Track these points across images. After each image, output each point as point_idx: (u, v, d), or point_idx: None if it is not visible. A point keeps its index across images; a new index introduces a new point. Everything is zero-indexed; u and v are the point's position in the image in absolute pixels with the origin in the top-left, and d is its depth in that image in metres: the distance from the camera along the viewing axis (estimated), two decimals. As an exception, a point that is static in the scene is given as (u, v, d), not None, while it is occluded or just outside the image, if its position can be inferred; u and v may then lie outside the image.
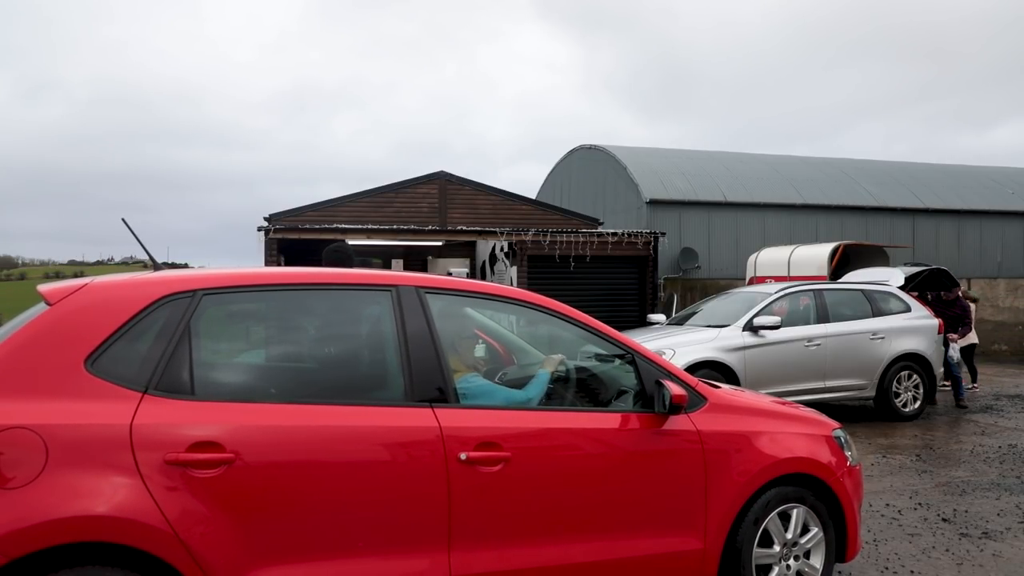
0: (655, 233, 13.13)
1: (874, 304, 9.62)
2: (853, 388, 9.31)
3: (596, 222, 14.74)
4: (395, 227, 12.46)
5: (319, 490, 2.67)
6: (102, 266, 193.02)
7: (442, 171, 13.93)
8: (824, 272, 13.08)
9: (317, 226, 12.26)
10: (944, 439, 7.91)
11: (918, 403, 9.25)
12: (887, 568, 4.31)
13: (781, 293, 9.36)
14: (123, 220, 4.10)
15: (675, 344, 8.72)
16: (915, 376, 9.27)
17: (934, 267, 11.77)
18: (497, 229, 12.51)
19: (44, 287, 2.81)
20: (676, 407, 3.19)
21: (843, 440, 3.80)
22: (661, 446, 3.22)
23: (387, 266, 14.92)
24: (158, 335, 2.68)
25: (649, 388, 3.26)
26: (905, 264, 12.51)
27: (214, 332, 2.90)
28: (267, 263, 11.83)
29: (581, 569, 3.05)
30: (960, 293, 10.92)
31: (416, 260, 15.64)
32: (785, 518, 3.50)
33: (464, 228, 12.91)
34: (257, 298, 2.98)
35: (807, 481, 3.55)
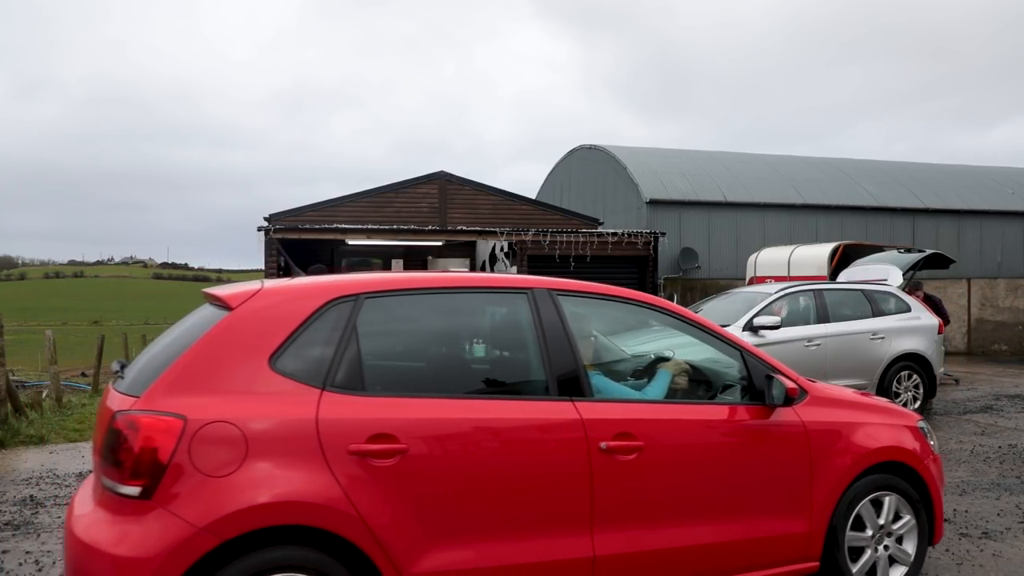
0: (655, 233, 13.12)
1: (874, 304, 9.63)
2: (853, 388, 9.32)
3: (596, 222, 14.74)
4: (395, 227, 12.45)
5: (479, 477, 2.90)
6: (102, 266, 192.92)
7: (442, 171, 13.92)
8: (824, 272, 13.08)
9: (317, 226, 12.25)
10: (944, 439, 7.91)
11: (918, 403, 9.26)
12: (887, 568, 4.32)
13: (781, 293, 9.37)
14: (279, 245, 4.57)
15: (675, 345, 8.72)
16: (915, 376, 9.28)
17: (929, 251, 11.85)
18: (497, 229, 12.51)
19: (219, 291, 3.08)
20: (790, 399, 3.44)
21: (926, 430, 4.01)
22: (771, 436, 3.45)
23: (387, 266, 14.92)
24: (329, 336, 2.89)
25: (758, 382, 3.49)
26: (898, 251, 12.52)
27: (376, 332, 3.06)
28: (267, 263, 11.82)
29: (705, 550, 3.26)
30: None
31: (416, 260, 15.63)
32: (877, 505, 3.70)
33: (464, 228, 12.91)
34: (411, 301, 3.21)
35: (897, 469, 3.75)
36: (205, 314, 3.07)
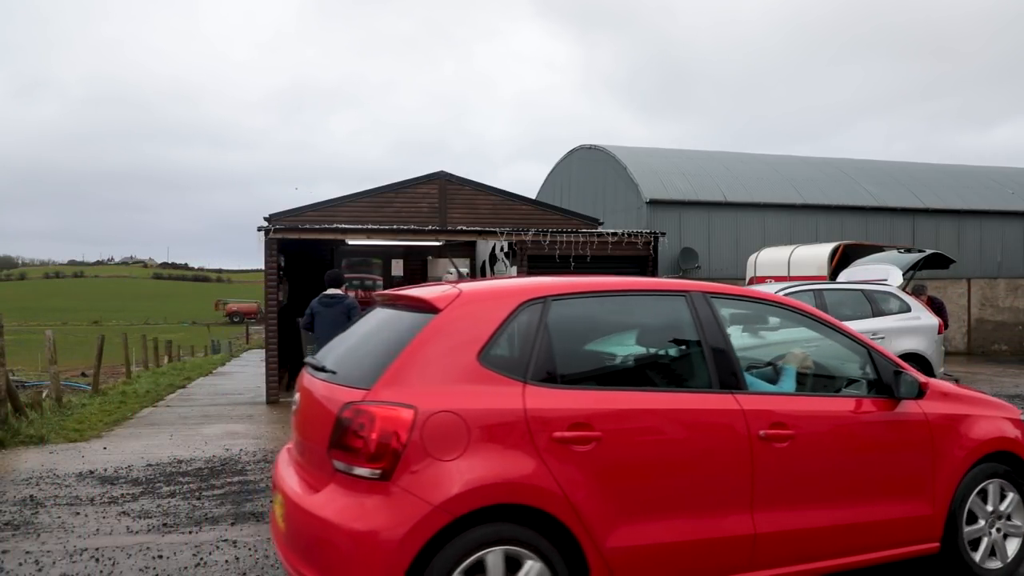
0: (655, 233, 13.11)
1: (874, 304, 9.63)
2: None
3: (596, 222, 14.72)
4: (395, 227, 12.44)
5: (659, 462, 3.22)
6: (102, 266, 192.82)
7: (442, 171, 13.91)
8: (824, 272, 13.08)
9: (317, 226, 12.25)
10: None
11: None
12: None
13: (781, 293, 9.37)
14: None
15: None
16: (915, 376, 9.30)
17: (929, 251, 11.87)
18: (497, 229, 12.49)
19: (419, 293, 3.37)
20: (922, 392, 3.83)
21: None
22: (898, 426, 3.78)
23: (387, 266, 14.91)
24: (525, 334, 3.20)
25: (886, 378, 3.82)
26: (898, 251, 12.52)
27: (562, 330, 3.34)
28: (267, 263, 11.81)
29: (845, 530, 3.57)
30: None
31: (416, 260, 15.62)
32: (988, 489, 4.02)
33: (464, 228, 12.90)
34: (589, 302, 3.53)
35: (1005, 458, 4.08)
36: (399, 315, 3.43)
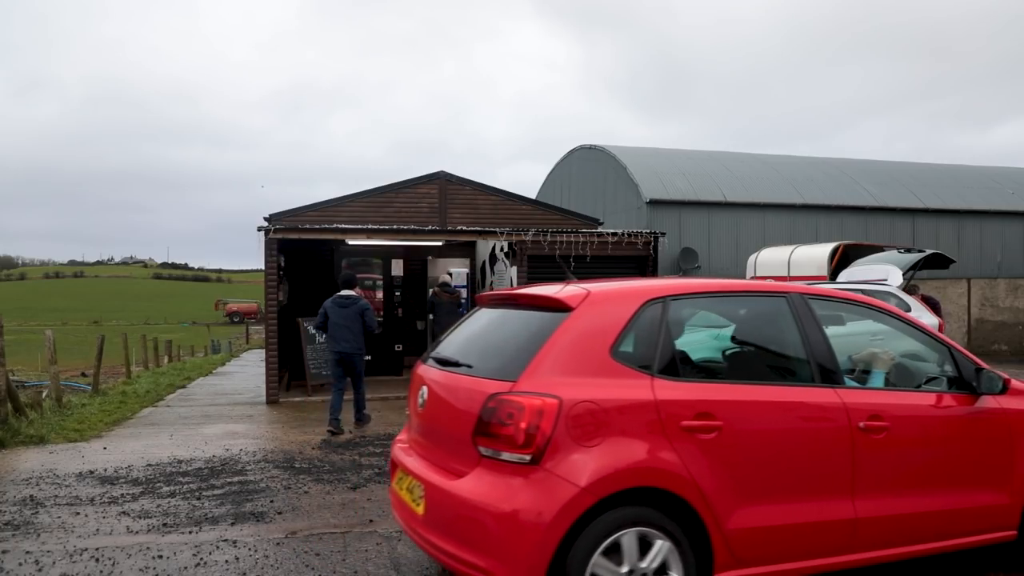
0: (655, 233, 13.10)
1: (874, 304, 9.62)
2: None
3: (596, 222, 14.71)
4: (395, 227, 12.44)
5: (772, 450, 3.46)
6: (102, 266, 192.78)
7: (442, 171, 13.89)
8: (824, 272, 13.08)
9: (317, 226, 12.24)
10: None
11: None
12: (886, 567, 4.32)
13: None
14: (559, 259, 4.38)
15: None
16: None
17: (929, 251, 11.87)
18: (497, 229, 12.49)
19: (554, 293, 3.59)
20: (1004, 388, 4.03)
21: None
22: (980, 420, 3.99)
23: (387, 266, 14.89)
24: (649, 331, 3.45)
25: (967, 375, 4.04)
26: (898, 251, 12.52)
27: (680, 328, 3.66)
28: (267, 263, 11.81)
29: (931, 516, 3.80)
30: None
31: (416, 260, 15.61)
32: None
33: (464, 228, 12.90)
34: (703, 302, 3.84)
35: None
36: (526, 313, 3.70)
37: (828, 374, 3.72)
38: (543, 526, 3.01)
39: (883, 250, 13.70)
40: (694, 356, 3.77)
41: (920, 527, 3.80)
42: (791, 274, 13.76)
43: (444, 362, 3.82)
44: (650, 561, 3.18)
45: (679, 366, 3.48)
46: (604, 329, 3.37)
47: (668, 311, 3.53)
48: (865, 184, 21.77)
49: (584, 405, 3.16)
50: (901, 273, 11.00)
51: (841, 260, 13.28)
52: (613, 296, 3.55)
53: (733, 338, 3.97)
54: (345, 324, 8.90)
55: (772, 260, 14.69)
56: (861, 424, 3.64)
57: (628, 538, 3.14)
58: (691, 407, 3.31)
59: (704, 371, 3.71)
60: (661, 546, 3.19)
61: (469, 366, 3.62)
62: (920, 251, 12.07)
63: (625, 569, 3.15)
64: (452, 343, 4.02)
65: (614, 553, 3.13)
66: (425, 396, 3.79)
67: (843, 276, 11.92)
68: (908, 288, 11.41)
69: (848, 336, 4.59)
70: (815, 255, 13.68)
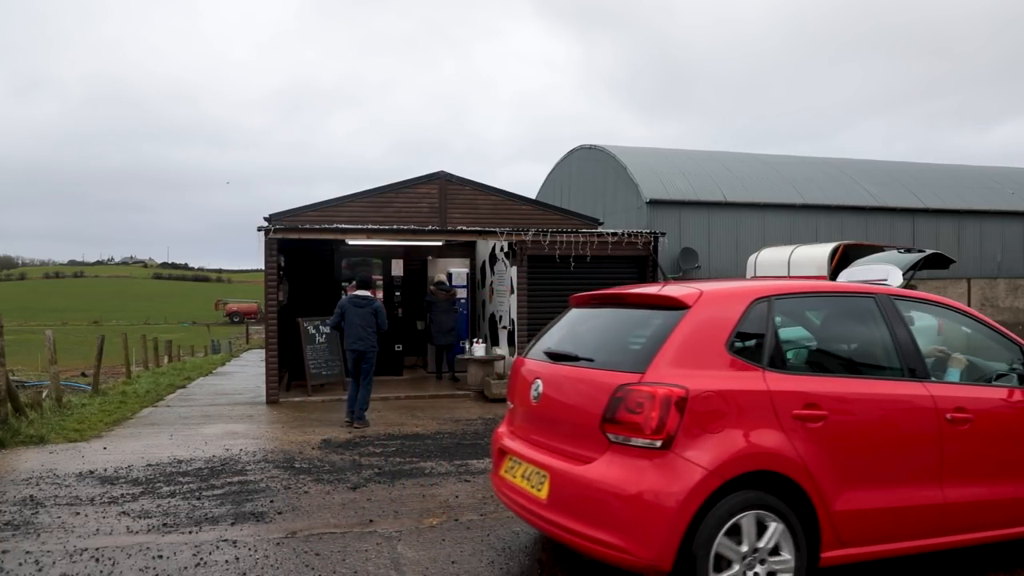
0: (655, 233, 13.10)
1: (874, 304, 9.61)
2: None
3: (596, 222, 14.71)
4: (395, 227, 12.44)
5: (870, 438, 3.72)
6: (102, 266, 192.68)
7: (442, 171, 13.89)
8: (824, 272, 13.06)
9: (317, 226, 12.24)
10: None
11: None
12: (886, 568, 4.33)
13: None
14: (653, 261, 4.47)
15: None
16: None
17: (929, 251, 11.86)
18: (497, 229, 12.48)
19: (673, 292, 3.84)
20: None
21: None
22: None
23: (387, 266, 14.89)
24: (758, 327, 3.73)
25: None
26: (898, 251, 12.51)
27: (784, 325, 3.95)
28: (267, 263, 11.81)
29: (1009, 503, 4.05)
30: None
31: (416, 260, 15.61)
32: None
33: (464, 228, 12.90)
34: (802, 302, 4.11)
35: None
36: (641, 311, 3.99)
37: (916, 369, 4.00)
38: (676, 506, 3.26)
39: (883, 250, 13.68)
40: (798, 350, 4.07)
41: (998, 513, 4.04)
42: (791, 274, 13.75)
43: (558, 357, 4.11)
44: (766, 542, 3.44)
45: (785, 360, 3.79)
46: (719, 326, 3.65)
47: (772, 309, 3.82)
48: (865, 184, 21.77)
49: (707, 395, 3.43)
50: (901, 273, 10.97)
51: (841, 260, 13.25)
52: (725, 295, 3.82)
53: (828, 335, 4.19)
54: (360, 323, 9.33)
55: (772, 260, 14.67)
56: (948, 416, 3.91)
57: (747, 519, 3.40)
58: (800, 398, 3.59)
59: (807, 365, 3.96)
60: (775, 528, 3.45)
61: (590, 360, 3.90)
62: (920, 251, 12.05)
63: (744, 549, 3.41)
64: (561, 339, 4.33)
65: (734, 533, 3.39)
66: (540, 389, 4.05)
67: (843, 276, 11.88)
68: (908, 287, 11.38)
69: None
70: (815, 255, 13.66)
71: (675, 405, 3.36)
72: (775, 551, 3.46)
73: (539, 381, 4.08)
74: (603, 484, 3.42)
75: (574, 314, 4.53)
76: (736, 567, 3.39)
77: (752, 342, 3.70)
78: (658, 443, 3.35)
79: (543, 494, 3.75)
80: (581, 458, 3.63)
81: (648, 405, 3.38)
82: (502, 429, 4.54)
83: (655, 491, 3.29)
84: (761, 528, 3.44)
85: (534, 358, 4.36)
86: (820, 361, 4.06)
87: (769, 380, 3.59)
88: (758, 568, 3.45)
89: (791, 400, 3.56)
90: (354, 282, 10.27)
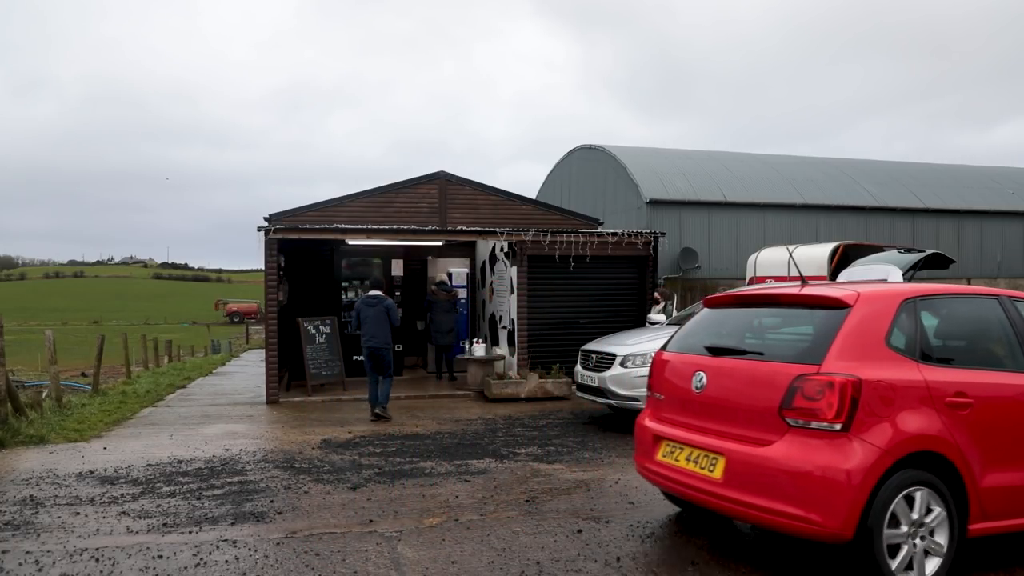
0: (655, 233, 13.10)
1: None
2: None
3: (596, 222, 14.71)
4: (395, 227, 12.44)
5: (1007, 422, 4.19)
6: (102, 266, 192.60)
7: (442, 171, 13.89)
8: (824, 272, 13.06)
9: (317, 226, 12.24)
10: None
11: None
12: (887, 568, 4.32)
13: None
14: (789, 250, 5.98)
15: None
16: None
17: (929, 251, 11.86)
18: (497, 229, 12.49)
19: (835, 293, 4.27)
20: None
21: None
22: None
23: (387, 266, 14.89)
24: (908, 324, 4.17)
25: None
26: (898, 251, 12.50)
27: (928, 323, 4.34)
28: (267, 263, 11.81)
29: None
30: None
31: (416, 260, 15.61)
32: None
33: (464, 228, 12.90)
34: (939, 302, 4.51)
35: None
36: (799, 310, 4.49)
37: None
38: (858, 482, 3.70)
39: (883, 250, 13.68)
40: (940, 344, 4.43)
41: None
42: (791, 274, 13.75)
43: (721, 351, 4.59)
44: (922, 515, 3.89)
45: (933, 354, 4.21)
46: (878, 323, 4.11)
47: (918, 308, 4.27)
48: (865, 184, 21.77)
49: (877, 384, 3.87)
50: (901, 273, 10.97)
51: (841, 260, 13.25)
52: (879, 296, 4.26)
53: (963, 331, 4.59)
54: (375, 321, 9.81)
55: (772, 260, 14.68)
56: None
57: (917, 494, 3.86)
58: (951, 387, 4.06)
59: (948, 358, 4.33)
60: (932, 503, 3.91)
61: (759, 353, 4.41)
62: (920, 251, 12.05)
63: (914, 518, 3.87)
64: (717, 336, 4.80)
65: (903, 506, 3.84)
66: (704, 380, 4.49)
67: (843, 276, 11.88)
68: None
69: None
70: (815, 255, 13.65)
71: (851, 392, 3.80)
72: (930, 523, 3.93)
73: (701, 373, 4.52)
74: (787, 463, 3.85)
75: (714, 313, 5.05)
76: (905, 533, 3.85)
77: (905, 337, 4.15)
78: (838, 426, 3.78)
79: (717, 474, 4.17)
80: (758, 441, 4.05)
81: (828, 393, 3.82)
82: (647, 419, 4.98)
83: (839, 468, 3.72)
84: (921, 503, 3.89)
85: (685, 352, 4.83)
86: (960, 355, 4.43)
87: (923, 371, 4.05)
88: (921, 538, 3.90)
89: (944, 389, 4.02)
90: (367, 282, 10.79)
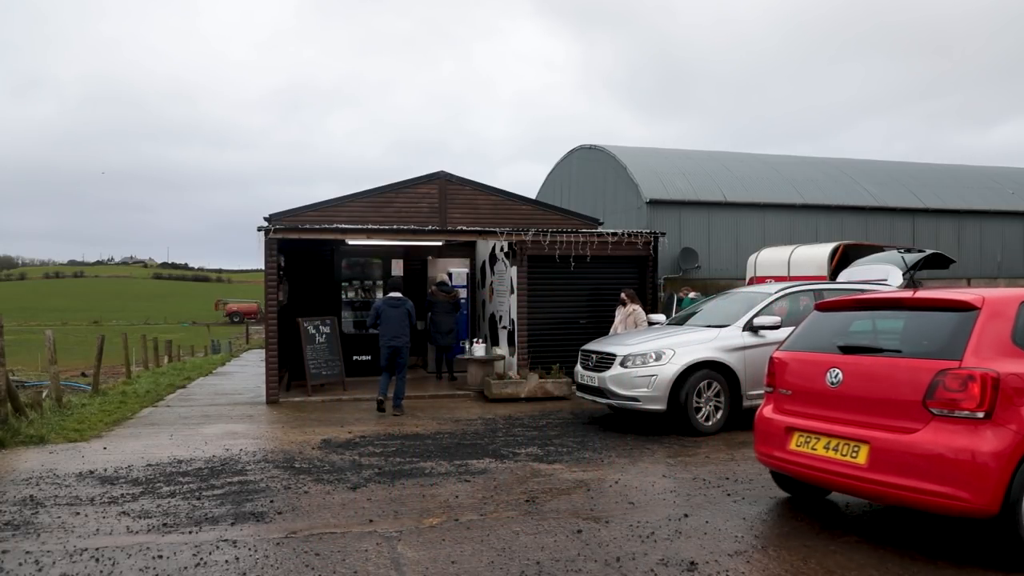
0: (655, 233, 13.11)
1: (874, 304, 9.60)
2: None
3: (596, 222, 14.71)
4: (395, 227, 12.44)
5: None
6: (102, 266, 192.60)
7: (442, 171, 13.89)
8: (824, 272, 13.08)
9: (317, 226, 12.25)
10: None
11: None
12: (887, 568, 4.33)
13: (781, 293, 9.36)
14: (906, 265, 5.59)
15: (675, 344, 8.70)
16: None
17: (929, 251, 11.87)
18: (497, 229, 12.49)
19: (963, 296, 4.71)
20: None
21: None
22: None
23: (387, 266, 14.90)
24: (1021, 324, 4.61)
25: None
26: (898, 251, 12.52)
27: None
28: (267, 263, 11.81)
29: None
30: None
31: (416, 260, 15.61)
32: None
33: (464, 228, 12.90)
34: None
35: None
36: (928, 313, 4.93)
37: None
38: (1003, 463, 4.14)
39: (883, 250, 13.69)
40: None
41: None
42: (791, 274, 13.75)
43: (856, 350, 5.07)
44: None
45: None
46: (1003, 323, 4.56)
47: (1020, 309, 4.69)
48: (865, 184, 21.77)
49: (1011, 376, 4.30)
50: (901, 273, 10.99)
51: (841, 260, 13.27)
52: (1001, 299, 4.70)
53: None
54: (397, 321, 10.30)
55: (772, 260, 14.69)
56: None
57: None
58: None
59: None
60: None
61: (896, 351, 4.88)
62: (920, 251, 12.07)
63: None
64: (847, 336, 5.32)
65: None
66: (840, 376, 4.96)
67: (843, 276, 11.91)
68: (912, 285, 11.39)
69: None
70: (815, 255, 13.67)
71: (991, 384, 4.26)
72: None
73: (837, 370, 4.99)
74: (934, 447, 4.30)
75: (828, 316, 5.57)
76: None
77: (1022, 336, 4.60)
78: (981, 414, 4.24)
79: (861, 460, 4.64)
80: (902, 429, 4.51)
81: (971, 385, 4.29)
82: (771, 412, 5.48)
83: (985, 451, 4.16)
84: None
85: (811, 351, 5.34)
86: None
87: None
88: None
89: None
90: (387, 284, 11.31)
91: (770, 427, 5.43)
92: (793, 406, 5.33)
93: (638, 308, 11.45)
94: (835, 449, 4.85)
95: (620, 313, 11.57)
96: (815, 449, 4.99)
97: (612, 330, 11.66)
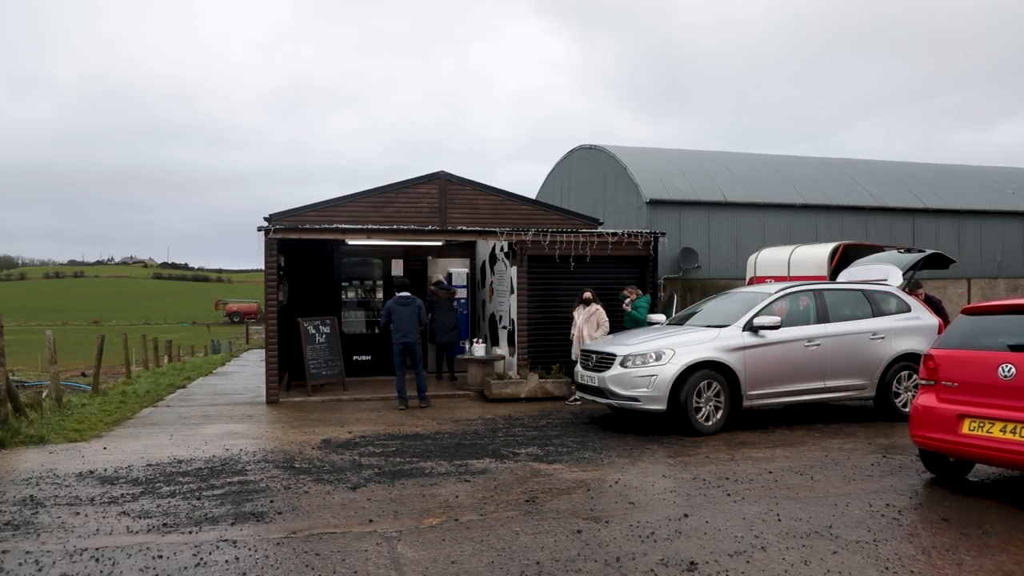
0: (655, 233, 13.10)
1: (874, 304, 9.61)
2: (853, 388, 9.30)
3: (596, 222, 14.70)
4: (395, 227, 12.44)
5: None
6: (102, 266, 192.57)
7: (442, 171, 13.89)
8: (824, 272, 13.07)
9: (317, 226, 12.24)
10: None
11: (918, 403, 9.28)
12: (887, 568, 4.33)
13: (781, 293, 9.36)
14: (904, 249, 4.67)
15: (675, 344, 8.70)
16: (915, 376, 9.27)
17: (929, 251, 11.87)
18: (497, 229, 12.49)
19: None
20: None
21: None
22: None
23: (387, 266, 14.89)
24: None
25: None
26: (898, 251, 12.51)
27: None
28: (267, 263, 11.81)
29: None
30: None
31: (416, 260, 15.61)
32: None
33: (464, 228, 12.90)
34: None
35: None
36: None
37: None
38: None
39: (883, 250, 13.68)
40: None
41: None
42: (791, 274, 13.75)
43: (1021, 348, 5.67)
44: None
45: None
46: None
47: None
48: (865, 184, 21.77)
49: None
50: (901, 273, 10.98)
51: (841, 260, 13.25)
52: None
53: None
54: (408, 320, 10.70)
55: (772, 260, 14.68)
56: None
57: None
58: None
59: None
60: None
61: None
62: (920, 251, 12.07)
63: None
64: (1013, 337, 5.76)
65: None
66: (1015, 371, 5.56)
67: (843, 276, 11.90)
68: (912, 285, 11.39)
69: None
70: (815, 255, 13.66)
71: None
72: None
73: (1010, 365, 5.59)
74: None
75: (985, 319, 6.14)
76: None
77: None
78: None
79: None
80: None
81: None
82: (935, 402, 6.08)
83: None
84: None
85: (978, 349, 5.92)
86: None
87: None
88: None
89: None
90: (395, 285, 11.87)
91: (935, 415, 6.03)
92: (960, 396, 5.93)
93: (600, 308, 11.31)
94: (1013, 431, 5.45)
95: (582, 313, 11.33)
96: (991, 433, 5.58)
97: (574, 330, 11.43)
